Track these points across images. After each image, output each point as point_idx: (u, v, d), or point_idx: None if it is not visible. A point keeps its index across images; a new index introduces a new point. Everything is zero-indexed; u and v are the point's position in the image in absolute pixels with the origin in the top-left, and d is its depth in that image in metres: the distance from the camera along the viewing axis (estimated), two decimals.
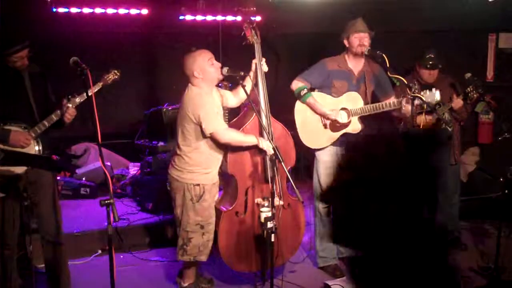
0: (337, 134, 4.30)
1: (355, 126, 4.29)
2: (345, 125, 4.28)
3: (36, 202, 3.72)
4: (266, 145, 3.79)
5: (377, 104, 4.23)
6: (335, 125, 4.28)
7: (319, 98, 4.30)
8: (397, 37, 6.52)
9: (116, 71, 3.87)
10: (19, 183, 3.52)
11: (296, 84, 4.31)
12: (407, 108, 4.02)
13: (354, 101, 4.27)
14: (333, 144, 4.34)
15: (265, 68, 3.98)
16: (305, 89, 4.27)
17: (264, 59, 3.96)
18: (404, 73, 4.24)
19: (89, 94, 3.23)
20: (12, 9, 5.14)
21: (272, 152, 3.71)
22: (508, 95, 6.05)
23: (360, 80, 4.33)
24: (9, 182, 3.50)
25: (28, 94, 3.63)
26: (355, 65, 4.33)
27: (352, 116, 4.26)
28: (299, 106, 4.32)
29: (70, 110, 3.57)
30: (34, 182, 3.65)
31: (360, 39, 4.21)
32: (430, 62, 4.69)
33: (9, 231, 3.61)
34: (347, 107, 4.27)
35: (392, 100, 4.24)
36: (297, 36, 7.15)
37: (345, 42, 4.30)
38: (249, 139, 3.84)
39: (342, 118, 4.26)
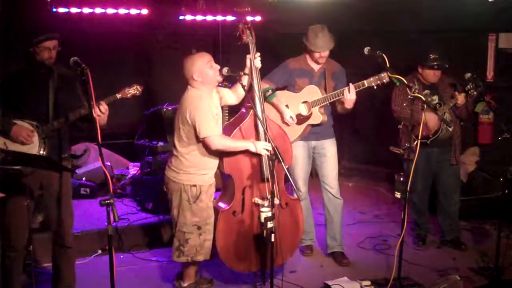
0: (302, 126, 4.55)
1: (317, 117, 4.51)
2: (308, 117, 4.50)
3: (45, 202, 3.73)
4: (261, 148, 3.79)
5: (330, 94, 4.45)
6: (298, 118, 4.51)
7: (283, 95, 4.56)
8: (397, 37, 6.53)
9: (138, 87, 3.84)
10: (24, 183, 3.52)
11: (262, 86, 4.43)
12: (351, 95, 4.30)
13: (313, 93, 4.50)
14: (303, 139, 4.59)
15: (258, 64, 3.99)
16: (270, 90, 4.49)
17: (258, 53, 3.98)
18: (404, 73, 4.24)
19: (90, 94, 3.22)
20: (13, 9, 5.15)
21: (268, 154, 3.76)
22: (508, 95, 6.05)
23: (320, 76, 4.58)
24: (13, 182, 3.49)
25: (48, 93, 3.61)
26: (315, 63, 4.58)
27: (312, 107, 4.47)
28: (266, 105, 4.46)
29: (101, 107, 3.56)
30: (41, 183, 3.65)
31: (320, 54, 4.47)
32: (436, 63, 4.70)
33: (15, 232, 3.60)
34: (307, 100, 4.48)
35: (341, 89, 4.42)
36: (297, 36, 7.14)
37: (307, 46, 4.51)
38: (242, 144, 3.84)
39: (303, 110, 4.50)
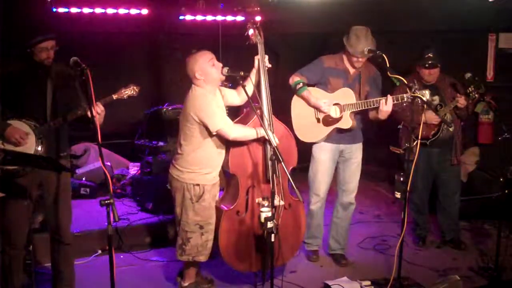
0: (329, 129, 4.40)
1: (347, 121, 4.36)
2: (337, 120, 4.36)
3: (44, 201, 3.73)
4: (263, 132, 3.77)
5: (367, 100, 4.29)
6: (327, 120, 4.36)
7: (314, 92, 4.40)
8: (397, 37, 6.53)
9: (135, 87, 3.85)
10: (23, 183, 3.52)
11: (293, 79, 4.41)
12: (388, 107, 4.15)
13: (347, 97, 4.34)
14: (330, 141, 4.45)
15: (267, 64, 3.97)
16: (301, 83, 4.36)
17: (267, 56, 3.97)
18: (404, 73, 4.24)
19: (90, 94, 3.22)
20: (13, 9, 5.14)
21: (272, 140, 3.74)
22: (508, 95, 6.06)
23: (355, 79, 4.41)
24: (12, 182, 3.49)
25: (46, 92, 3.61)
26: (351, 66, 4.40)
27: (344, 111, 4.33)
28: (295, 99, 4.43)
29: (97, 109, 3.54)
30: (40, 182, 3.66)
31: (358, 58, 4.28)
32: (429, 62, 4.70)
33: (14, 231, 3.60)
34: (340, 103, 4.34)
35: (377, 98, 4.27)
36: (297, 36, 7.16)
37: (345, 44, 4.31)
38: (257, 131, 3.82)
39: (334, 112, 4.34)
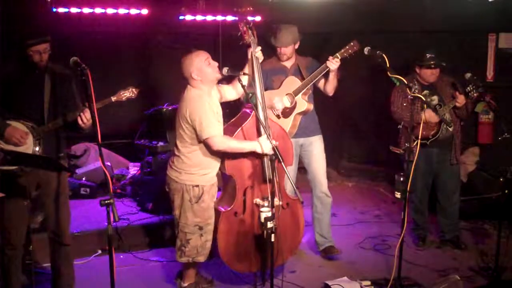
0: (291, 118, 4.53)
1: (302, 104, 4.49)
2: (293, 108, 4.49)
3: (42, 202, 3.73)
4: (266, 146, 3.75)
5: (310, 76, 4.46)
6: (285, 112, 4.50)
7: (266, 95, 4.48)
8: (397, 37, 6.53)
9: (133, 90, 3.85)
10: (22, 183, 3.52)
11: None
12: (332, 65, 4.34)
13: (293, 84, 4.50)
14: (294, 136, 4.56)
15: (260, 55, 4.04)
16: (250, 94, 4.43)
17: (259, 47, 4.02)
18: (404, 73, 4.24)
19: (90, 94, 3.22)
20: (13, 9, 5.15)
21: (272, 153, 3.73)
22: (508, 95, 6.06)
23: (295, 72, 4.60)
24: (11, 182, 3.50)
25: (43, 93, 3.61)
26: (287, 61, 4.63)
27: (295, 96, 4.47)
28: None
29: (86, 115, 3.55)
30: (38, 183, 3.65)
31: (280, 50, 4.55)
32: (433, 62, 4.70)
33: (13, 231, 3.61)
34: (289, 92, 4.50)
35: (316, 71, 4.45)
36: None
37: (271, 42, 4.59)
38: (248, 146, 3.81)
39: (287, 102, 4.50)
